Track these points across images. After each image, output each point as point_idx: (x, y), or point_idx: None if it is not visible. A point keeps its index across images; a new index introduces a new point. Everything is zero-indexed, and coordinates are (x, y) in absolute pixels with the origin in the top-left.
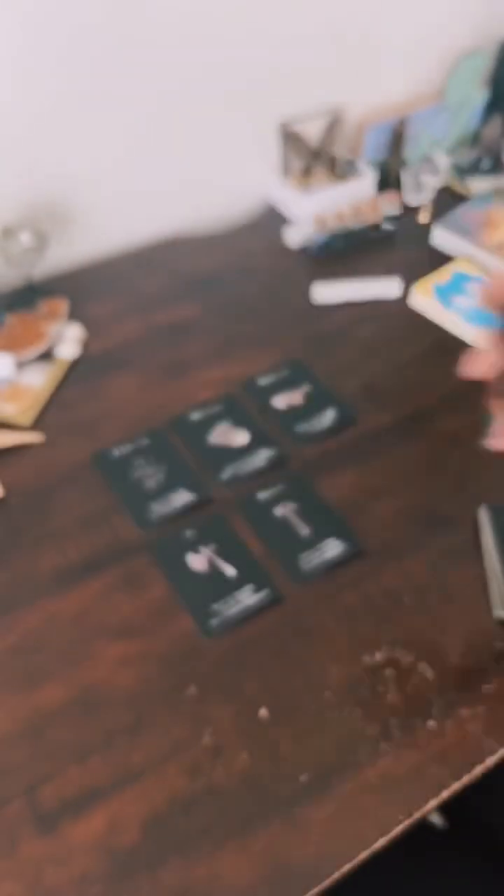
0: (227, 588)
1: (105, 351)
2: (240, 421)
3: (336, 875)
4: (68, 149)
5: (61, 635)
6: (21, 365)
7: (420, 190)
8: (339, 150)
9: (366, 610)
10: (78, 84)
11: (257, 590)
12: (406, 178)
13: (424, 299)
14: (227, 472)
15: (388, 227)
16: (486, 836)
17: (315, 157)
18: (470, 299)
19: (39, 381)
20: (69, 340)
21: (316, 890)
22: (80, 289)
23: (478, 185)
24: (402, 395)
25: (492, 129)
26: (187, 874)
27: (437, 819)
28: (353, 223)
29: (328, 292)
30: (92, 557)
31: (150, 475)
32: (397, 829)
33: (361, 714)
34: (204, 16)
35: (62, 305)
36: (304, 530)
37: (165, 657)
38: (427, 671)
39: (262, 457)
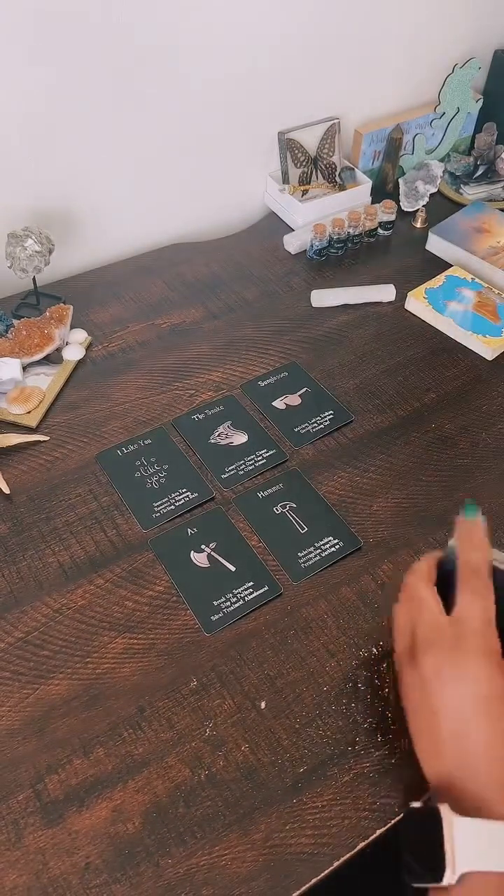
0: (227, 584)
1: (109, 354)
2: (240, 421)
3: (335, 864)
4: (74, 157)
5: (67, 630)
6: (28, 368)
7: (415, 197)
8: (337, 158)
9: (362, 605)
10: (83, 96)
11: (257, 586)
12: (402, 185)
13: (418, 303)
14: (228, 472)
15: (383, 233)
16: None
17: (313, 165)
18: (462, 304)
19: (45, 383)
20: (74, 344)
21: (315, 879)
22: (85, 294)
23: (472, 192)
24: (397, 396)
25: (485, 137)
26: (189, 863)
27: None
28: (349, 229)
29: (326, 297)
30: (96, 554)
31: (153, 474)
32: (394, 821)
33: (359, 707)
34: (204, 28)
35: (67, 310)
36: (302, 528)
37: (168, 651)
38: None
39: (261, 456)
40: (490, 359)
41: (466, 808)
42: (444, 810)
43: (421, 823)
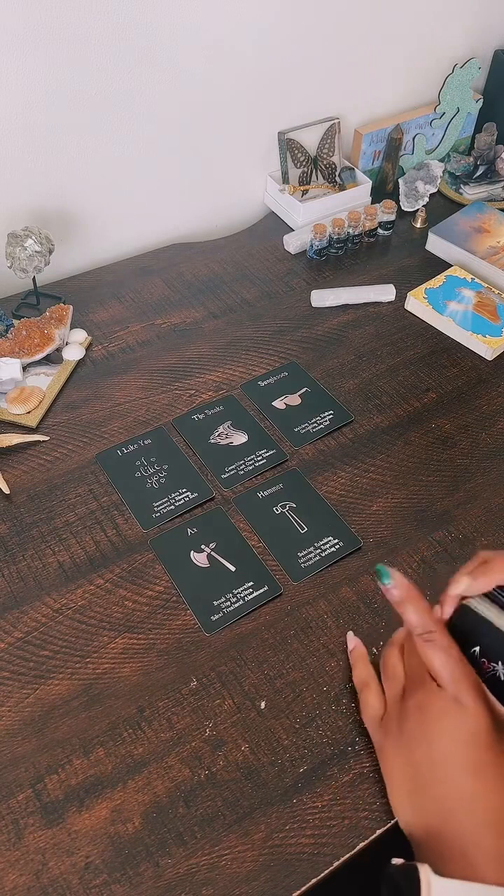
0: (227, 584)
1: (109, 354)
2: (240, 421)
3: (335, 865)
4: (74, 157)
5: (67, 630)
6: (28, 368)
7: (415, 197)
8: (337, 158)
9: (362, 605)
10: (83, 96)
11: (257, 586)
12: (402, 185)
13: (418, 303)
14: (228, 472)
15: (383, 233)
16: None
17: (313, 165)
18: (462, 304)
19: (45, 383)
20: (74, 344)
21: (315, 879)
22: (84, 294)
23: (471, 192)
24: (397, 396)
25: (485, 137)
26: (189, 863)
27: None
28: (349, 229)
29: (325, 297)
30: (96, 554)
31: (153, 474)
32: (394, 821)
33: (359, 707)
34: (204, 27)
35: (67, 310)
36: (302, 528)
37: (168, 651)
38: None
39: (261, 456)
40: (490, 359)
41: (447, 862)
42: (424, 871)
43: (400, 882)
